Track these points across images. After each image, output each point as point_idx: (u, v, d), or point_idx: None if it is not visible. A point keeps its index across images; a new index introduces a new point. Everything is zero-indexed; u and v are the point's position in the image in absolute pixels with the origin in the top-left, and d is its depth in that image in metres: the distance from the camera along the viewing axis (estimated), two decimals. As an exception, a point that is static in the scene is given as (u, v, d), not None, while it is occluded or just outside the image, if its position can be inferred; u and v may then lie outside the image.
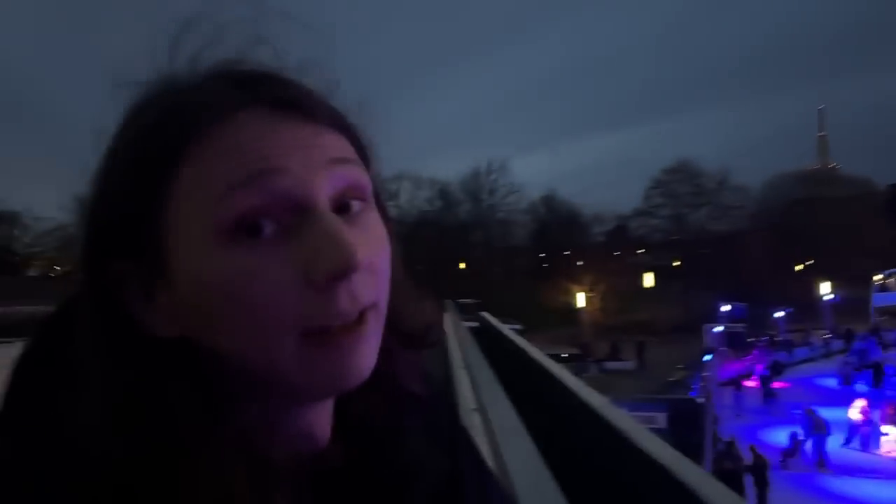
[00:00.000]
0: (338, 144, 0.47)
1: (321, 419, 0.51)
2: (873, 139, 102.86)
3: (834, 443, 14.61)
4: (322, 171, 0.45)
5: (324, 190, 0.45)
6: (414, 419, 0.55)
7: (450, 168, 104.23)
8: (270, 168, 0.43)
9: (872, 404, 15.48)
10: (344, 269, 0.43)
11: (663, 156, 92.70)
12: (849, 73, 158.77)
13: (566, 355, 31.36)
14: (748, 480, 11.19)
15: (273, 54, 0.49)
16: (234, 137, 0.44)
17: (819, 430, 14.16)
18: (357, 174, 0.47)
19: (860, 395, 18.32)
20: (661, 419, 15.52)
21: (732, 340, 25.63)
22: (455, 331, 14.82)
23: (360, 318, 0.45)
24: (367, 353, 0.45)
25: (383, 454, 0.51)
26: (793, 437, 14.38)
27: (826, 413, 17.90)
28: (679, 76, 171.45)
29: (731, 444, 12.42)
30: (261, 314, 0.42)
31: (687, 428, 15.10)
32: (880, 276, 33.54)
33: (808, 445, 14.23)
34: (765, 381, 20.19)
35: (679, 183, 57.73)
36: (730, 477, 10.83)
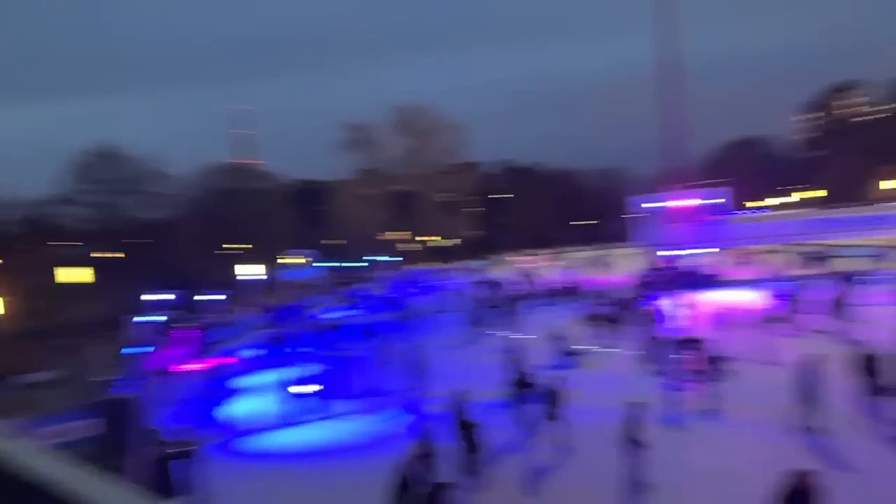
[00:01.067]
0: None
1: None
2: (292, 140, 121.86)
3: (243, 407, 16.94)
4: None
5: None
6: None
7: None
8: None
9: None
10: None
11: (85, 138, 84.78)
12: (272, 79, 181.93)
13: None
14: (179, 464, 11.64)
15: None
16: None
17: (218, 398, 16.11)
18: None
19: (282, 362, 21.53)
20: (89, 426, 14.54)
21: (162, 329, 26.13)
22: None
23: None
24: None
25: None
26: (185, 411, 15.80)
27: (249, 380, 20.38)
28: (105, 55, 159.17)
29: (156, 432, 12.71)
30: None
31: (118, 426, 14.62)
32: (284, 258, 40.47)
33: (214, 415, 15.98)
34: (197, 362, 21.44)
35: (105, 168, 54.27)
36: (157, 464, 11.11)
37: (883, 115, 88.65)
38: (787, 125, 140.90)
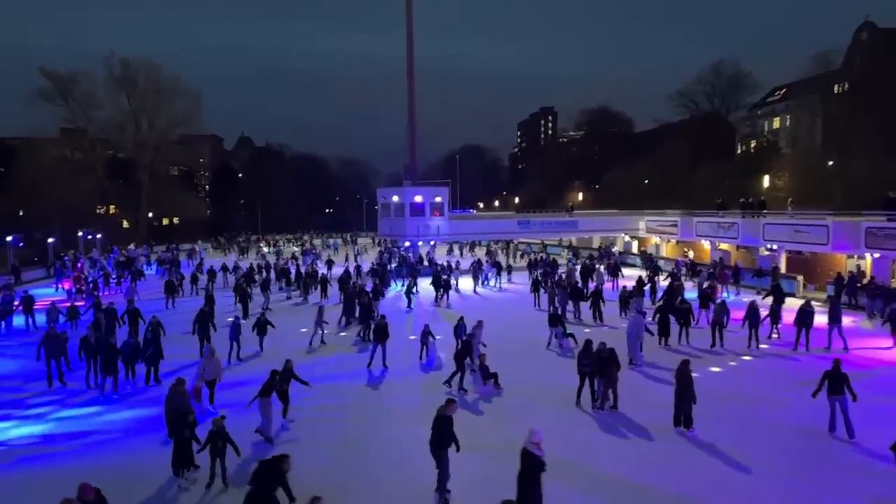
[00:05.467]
0: None
1: None
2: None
3: None
4: None
5: None
6: None
7: None
8: None
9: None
10: None
11: None
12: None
13: None
14: None
15: None
16: None
17: None
18: None
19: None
20: None
21: None
22: None
23: None
24: None
25: None
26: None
27: None
28: None
29: None
30: None
31: None
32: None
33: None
34: None
35: None
36: None
37: (568, 139, 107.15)
38: (509, 139, 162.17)
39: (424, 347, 17.26)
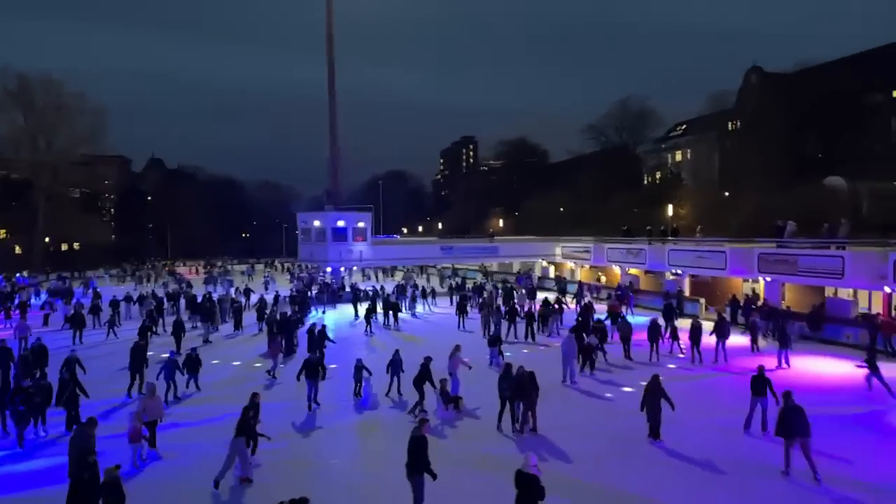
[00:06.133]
0: None
1: None
2: None
3: None
4: None
5: None
6: None
7: None
8: None
9: None
10: None
11: None
12: None
13: None
14: None
15: None
16: None
17: None
18: None
19: None
20: None
21: None
22: None
23: None
24: None
25: None
26: None
27: None
28: None
29: None
30: None
31: None
32: None
33: None
34: None
35: None
36: None
37: (488, 168, 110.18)
38: (432, 166, 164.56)
39: (359, 384, 16.55)
